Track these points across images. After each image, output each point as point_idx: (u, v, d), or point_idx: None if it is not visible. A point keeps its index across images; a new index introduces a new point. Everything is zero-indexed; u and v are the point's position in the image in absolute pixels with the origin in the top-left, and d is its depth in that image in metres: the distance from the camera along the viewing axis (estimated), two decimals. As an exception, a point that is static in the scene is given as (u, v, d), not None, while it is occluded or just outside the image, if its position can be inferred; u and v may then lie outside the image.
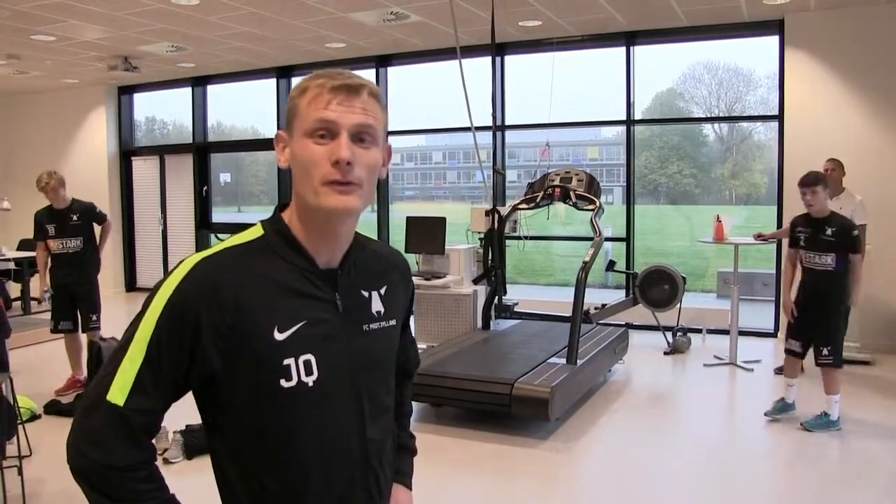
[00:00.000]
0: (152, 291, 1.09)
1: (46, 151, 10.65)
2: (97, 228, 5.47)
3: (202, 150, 10.10)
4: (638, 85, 7.65)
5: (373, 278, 1.25)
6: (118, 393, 1.04)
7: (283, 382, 1.10)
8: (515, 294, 7.14)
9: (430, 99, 8.66)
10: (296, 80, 9.33)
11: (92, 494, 1.04)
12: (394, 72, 8.72)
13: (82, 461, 1.04)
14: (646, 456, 4.21)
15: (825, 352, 4.43)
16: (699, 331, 6.86)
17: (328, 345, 1.14)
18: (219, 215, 10.64)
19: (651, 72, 8.73)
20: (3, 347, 3.78)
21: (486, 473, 4.00)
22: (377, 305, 1.23)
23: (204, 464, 3.97)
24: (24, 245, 9.32)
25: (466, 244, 6.73)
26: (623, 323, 6.72)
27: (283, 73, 9.27)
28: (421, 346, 5.61)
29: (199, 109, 10.07)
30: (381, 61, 8.58)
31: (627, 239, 7.71)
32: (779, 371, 5.53)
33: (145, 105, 10.99)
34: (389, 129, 1.21)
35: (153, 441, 1.10)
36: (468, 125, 6.06)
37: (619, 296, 7.38)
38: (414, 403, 1.59)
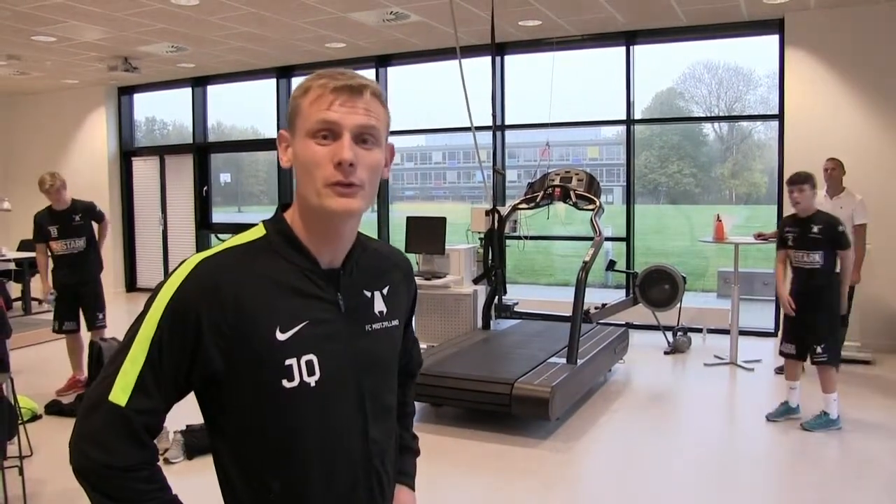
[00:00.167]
0: (154, 292, 1.10)
1: (47, 152, 10.66)
2: (95, 227, 5.48)
3: (202, 150, 10.10)
4: (638, 84, 7.65)
5: (375, 278, 1.24)
6: (120, 393, 1.04)
7: (284, 382, 1.10)
8: (515, 294, 7.15)
9: (430, 99, 8.68)
10: (296, 81, 9.34)
11: (94, 494, 1.04)
12: (394, 72, 8.72)
13: (84, 461, 1.04)
14: (646, 456, 4.22)
15: (819, 350, 4.45)
16: (699, 330, 6.86)
17: (330, 345, 1.14)
18: (219, 215, 10.64)
19: (651, 71, 8.74)
20: (4, 348, 3.78)
21: (486, 473, 4.00)
22: (379, 305, 1.23)
23: (205, 464, 3.98)
24: (24, 245, 9.33)
25: (466, 244, 6.73)
26: (623, 323, 6.73)
27: (283, 73, 9.27)
28: (421, 345, 5.60)
29: (199, 109, 10.07)
30: (381, 61, 8.58)
31: (627, 239, 7.71)
32: (779, 371, 5.53)
33: (145, 105, 11.00)
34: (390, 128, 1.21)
35: (154, 441, 1.10)
36: (468, 125, 6.06)
37: (620, 295, 7.38)
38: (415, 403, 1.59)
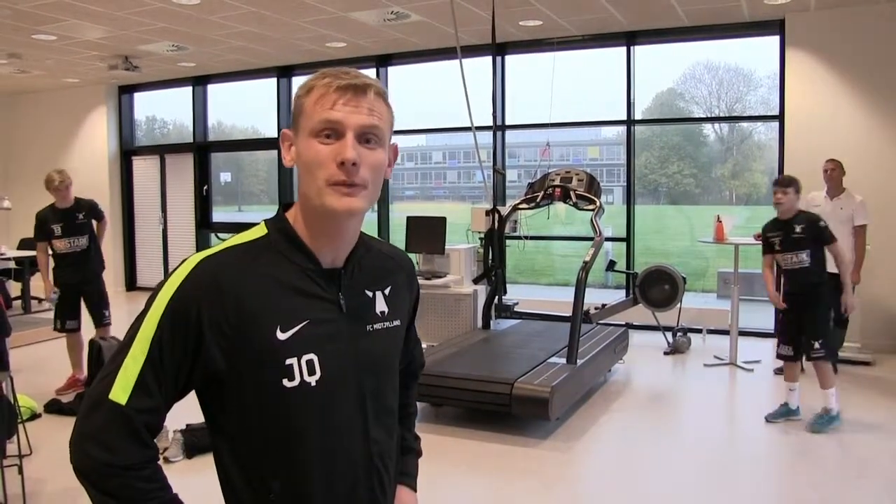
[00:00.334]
0: (155, 290, 1.09)
1: (47, 151, 10.66)
2: (94, 225, 5.48)
3: (202, 149, 10.10)
4: (638, 85, 7.65)
5: (377, 278, 1.24)
6: (121, 392, 1.04)
7: (285, 382, 1.09)
8: (515, 294, 7.15)
9: (430, 98, 8.64)
10: (296, 80, 9.34)
11: (94, 493, 1.04)
12: (394, 71, 8.73)
13: (85, 460, 1.04)
14: (645, 456, 4.22)
15: (816, 345, 4.50)
16: (699, 331, 6.86)
17: (331, 345, 1.14)
18: (219, 215, 10.64)
19: (651, 72, 8.74)
20: (4, 346, 3.78)
21: (486, 473, 4.00)
22: (381, 306, 1.23)
23: (204, 463, 3.97)
24: (24, 244, 9.33)
25: (467, 244, 6.73)
26: (623, 323, 6.73)
27: (283, 72, 9.27)
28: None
29: (200, 109, 10.08)
30: (382, 61, 8.58)
31: (628, 239, 7.71)
32: (779, 372, 5.53)
33: (146, 104, 10.99)
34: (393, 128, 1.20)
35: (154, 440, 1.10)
36: (468, 125, 6.06)
37: (620, 296, 7.38)
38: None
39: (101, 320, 5.38)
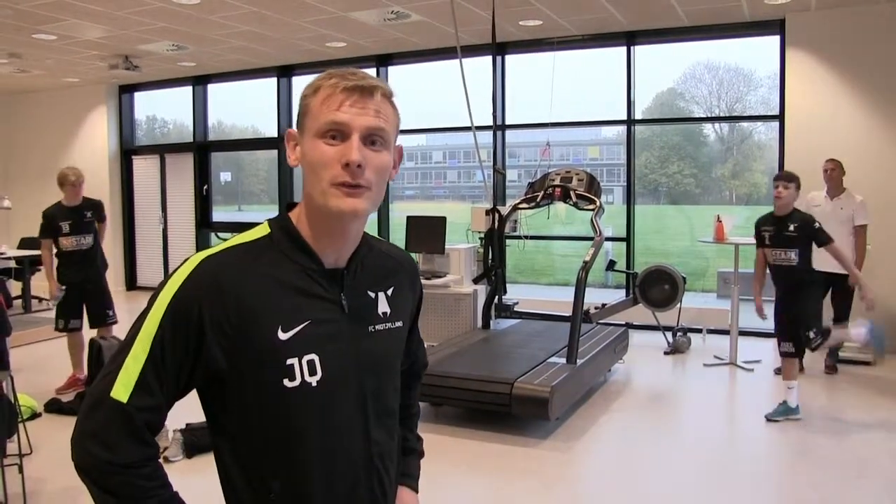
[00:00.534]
0: (157, 289, 1.10)
1: (47, 150, 10.66)
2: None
3: (203, 149, 10.10)
4: (638, 84, 7.65)
5: (380, 279, 1.24)
6: (122, 390, 1.04)
7: (286, 382, 1.09)
8: (515, 293, 7.15)
9: (430, 98, 8.65)
10: (296, 80, 9.35)
11: (96, 491, 1.04)
12: (394, 71, 8.72)
13: (86, 458, 1.04)
14: (645, 455, 4.22)
15: (811, 335, 4.57)
16: (699, 331, 6.86)
17: (333, 345, 1.13)
18: (219, 214, 10.64)
19: (652, 71, 8.74)
20: (4, 346, 3.78)
21: (486, 473, 4.01)
22: (383, 306, 1.23)
23: (204, 463, 3.98)
24: (24, 243, 9.34)
25: (467, 244, 6.73)
26: (623, 323, 6.73)
27: (283, 72, 9.27)
28: (421, 345, 5.60)
29: (200, 108, 10.07)
30: (382, 60, 8.58)
31: (628, 239, 7.71)
32: (779, 371, 5.53)
33: (146, 104, 10.99)
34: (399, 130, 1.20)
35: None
36: (468, 124, 6.06)
37: (620, 295, 7.38)
38: (415, 403, 1.59)
39: (104, 319, 5.38)
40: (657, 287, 6.61)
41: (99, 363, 4.58)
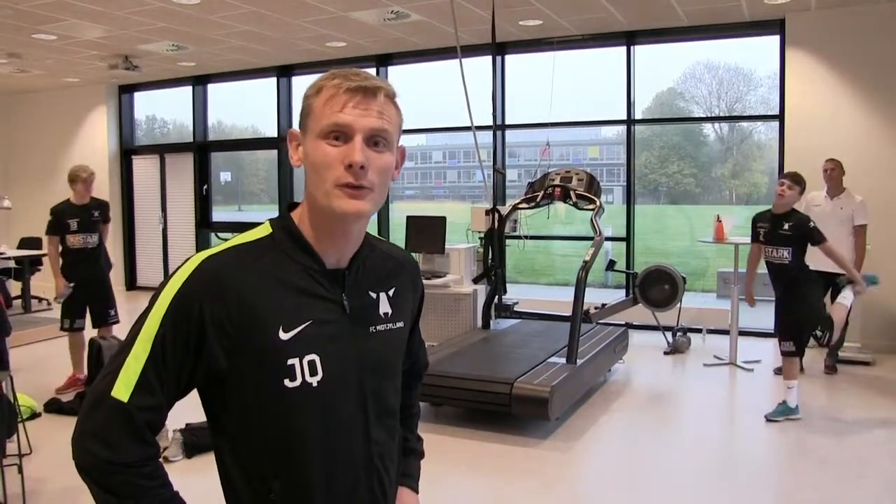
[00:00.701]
0: (158, 289, 1.10)
1: (47, 150, 10.66)
2: None
3: (202, 148, 10.10)
4: (638, 84, 7.65)
5: (381, 279, 1.24)
6: (123, 389, 1.04)
7: (287, 382, 1.09)
8: (515, 293, 7.15)
9: (430, 98, 8.65)
10: (296, 80, 9.34)
11: (96, 490, 1.04)
12: (394, 71, 8.72)
13: (86, 457, 1.04)
14: (645, 455, 4.22)
15: (818, 333, 4.60)
16: (699, 331, 6.86)
17: (334, 345, 1.13)
18: (219, 214, 10.64)
19: (651, 71, 8.73)
20: (4, 346, 3.78)
21: (486, 473, 4.01)
22: (385, 307, 1.23)
23: (204, 462, 3.97)
24: (24, 243, 9.33)
25: (466, 243, 6.73)
26: (623, 323, 6.72)
27: (283, 72, 9.27)
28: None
29: (200, 108, 10.07)
30: (382, 60, 8.58)
31: (627, 238, 7.71)
32: (778, 371, 5.53)
33: (146, 104, 10.99)
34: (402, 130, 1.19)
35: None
36: (468, 124, 6.06)
37: (619, 295, 7.38)
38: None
39: (105, 319, 5.39)
40: (657, 287, 6.61)
41: (99, 363, 4.58)
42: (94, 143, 10.42)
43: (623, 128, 7.81)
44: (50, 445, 4.17)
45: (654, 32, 7.42)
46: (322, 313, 1.13)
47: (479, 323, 6.15)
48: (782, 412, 4.63)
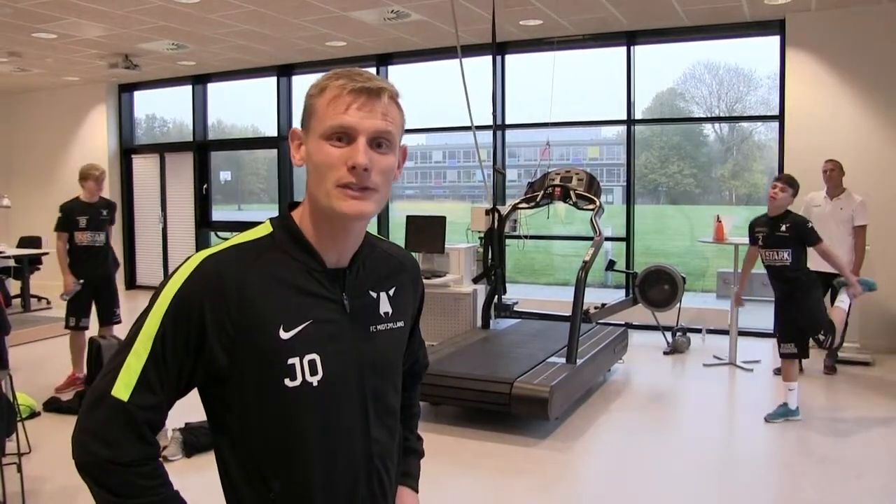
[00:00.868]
0: (158, 288, 1.09)
1: (47, 149, 10.66)
2: None
3: (202, 148, 10.10)
4: (638, 84, 7.65)
5: (382, 279, 1.24)
6: (123, 388, 1.04)
7: (287, 382, 1.09)
8: (515, 293, 7.15)
9: (430, 98, 8.64)
10: (296, 79, 9.34)
11: (96, 489, 1.04)
12: (394, 70, 8.72)
13: (87, 456, 1.04)
14: (645, 455, 4.22)
15: (820, 337, 4.62)
16: (699, 331, 6.86)
17: (334, 345, 1.13)
18: (219, 213, 10.63)
19: (652, 71, 8.73)
20: (3, 344, 3.78)
21: (486, 472, 4.01)
22: (385, 306, 1.22)
23: (203, 462, 3.97)
24: (24, 242, 9.33)
25: (466, 243, 6.73)
26: (623, 323, 6.73)
27: (283, 71, 9.27)
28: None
29: (200, 107, 10.07)
30: (382, 60, 8.58)
31: (627, 239, 7.71)
32: (778, 372, 5.53)
33: (146, 103, 10.99)
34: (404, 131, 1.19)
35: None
36: (468, 124, 6.06)
37: (619, 295, 7.38)
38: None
39: (111, 318, 5.41)
40: (657, 287, 6.62)
41: (98, 362, 4.58)
42: (94, 142, 10.41)
43: (623, 128, 7.81)
44: (49, 444, 4.17)
45: (654, 32, 7.42)
46: (322, 313, 1.13)
47: (479, 323, 6.15)
48: (782, 414, 4.63)
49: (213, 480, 1.18)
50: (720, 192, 19.72)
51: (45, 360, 6.17)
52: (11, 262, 8.55)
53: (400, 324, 1.25)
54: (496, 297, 6.15)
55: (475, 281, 6.36)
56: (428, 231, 6.55)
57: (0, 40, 7.44)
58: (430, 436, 4.29)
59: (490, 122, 6.56)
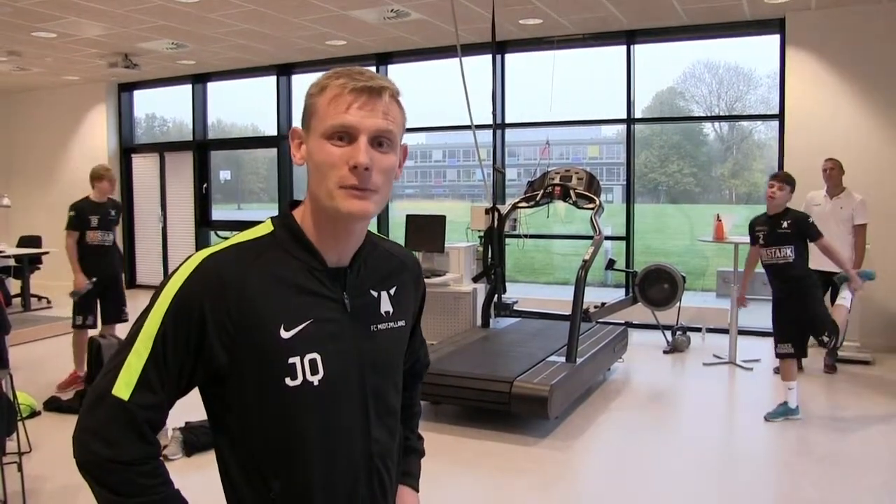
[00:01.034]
0: (159, 288, 1.09)
1: (47, 149, 10.66)
2: None
3: (202, 147, 10.10)
4: (638, 83, 7.65)
5: (383, 278, 1.23)
6: (123, 388, 1.04)
7: (287, 381, 1.09)
8: (515, 292, 7.15)
9: (430, 97, 8.65)
10: (296, 78, 9.34)
11: (97, 488, 1.04)
12: (394, 69, 8.72)
13: (87, 455, 1.04)
14: (645, 454, 4.22)
15: (825, 338, 4.61)
16: (699, 330, 6.86)
17: (335, 344, 1.13)
18: (219, 213, 10.63)
19: (651, 70, 8.74)
20: (3, 344, 3.78)
21: (485, 471, 4.01)
22: (386, 306, 1.22)
23: (203, 461, 3.97)
24: (24, 242, 9.33)
25: (466, 242, 6.73)
26: (622, 322, 6.72)
27: (283, 70, 9.27)
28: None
29: (200, 107, 10.07)
30: (382, 59, 8.58)
31: (627, 238, 7.71)
32: (778, 371, 5.53)
33: (145, 102, 10.99)
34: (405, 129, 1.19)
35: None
36: (468, 123, 6.06)
37: (619, 294, 7.38)
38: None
39: (118, 316, 5.44)
40: (657, 286, 6.62)
41: (98, 362, 4.58)
42: (94, 141, 10.41)
43: (623, 127, 7.81)
44: (49, 444, 4.18)
45: (654, 31, 7.41)
46: (323, 312, 1.13)
47: (479, 322, 6.15)
48: (782, 413, 4.63)
49: (213, 479, 1.18)
50: (720, 191, 19.71)
51: (46, 360, 6.17)
52: (11, 262, 8.54)
53: (401, 323, 1.25)
54: (496, 296, 6.15)
55: (475, 280, 6.37)
56: (428, 230, 6.55)
57: (0, 39, 7.43)
58: (430, 435, 4.29)
59: (490, 122, 6.56)
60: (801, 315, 4.62)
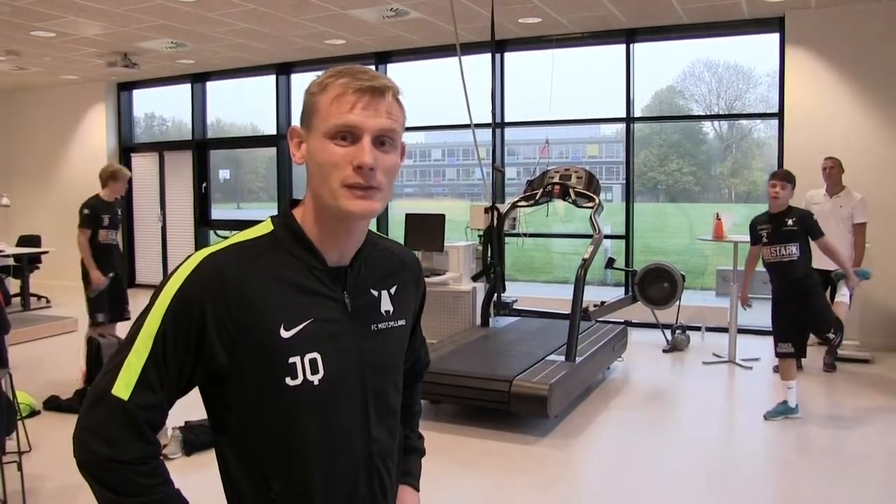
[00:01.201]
0: (158, 287, 1.09)
1: (46, 148, 10.65)
2: None
3: (201, 146, 10.09)
4: (638, 82, 7.65)
5: (383, 277, 1.23)
6: (123, 387, 1.04)
7: (288, 381, 1.09)
8: (514, 291, 7.15)
9: (429, 96, 8.65)
10: (295, 77, 9.34)
11: (97, 488, 1.04)
12: (393, 68, 8.72)
13: (87, 455, 1.04)
14: (644, 453, 4.22)
15: (830, 336, 4.62)
16: (698, 329, 6.86)
17: (335, 344, 1.13)
18: (218, 212, 10.63)
19: (651, 69, 8.73)
20: (3, 343, 3.78)
21: (485, 471, 4.01)
22: (386, 305, 1.22)
23: (203, 460, 3.97)
24: (23, 241, 9.33)
25: (465, 241, 6.73)
26: (622, 320, 6.72)
27: (282, 69, 9.26)
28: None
29: (199, 106, 10.07)
30: (381, 58, 8.57)
31: (627, 236, 7.71)
32: (777, 370, 5.53)
33: (145, 101, 10.98)
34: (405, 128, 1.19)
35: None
36: (468, 122, 6.06)
37: (619, 293, 7.38)
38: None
39: (122, 314, 5.44)
40: (656, 285, 6.62)
41: (98, 361, 4.58)
42: (93, 140, 10.41)
43: (622, 126, 7.81)
44: (49, 443, 4.17)
45: (653, 30, 7.41)
46: (323, 311, 1.13)
47: (479, 321, 6.15)
48: (782, 412, 4.63)
49: (213, 479, 1.18)
50: (719, 189, 19.72)
51: (45, 359, 6.16)
52: (11, 261, 8.54)
53: (401, 322, 1.25)
54: (495, 295, 6.15)
55: (474, 279, 6.37)
56: (427, 229, 6.55)
57: (-1, 39, 7.44)
58: (430, 434, 4.28)
59: (489, 120, 6.56)
60: (802, 314, 4.62)
